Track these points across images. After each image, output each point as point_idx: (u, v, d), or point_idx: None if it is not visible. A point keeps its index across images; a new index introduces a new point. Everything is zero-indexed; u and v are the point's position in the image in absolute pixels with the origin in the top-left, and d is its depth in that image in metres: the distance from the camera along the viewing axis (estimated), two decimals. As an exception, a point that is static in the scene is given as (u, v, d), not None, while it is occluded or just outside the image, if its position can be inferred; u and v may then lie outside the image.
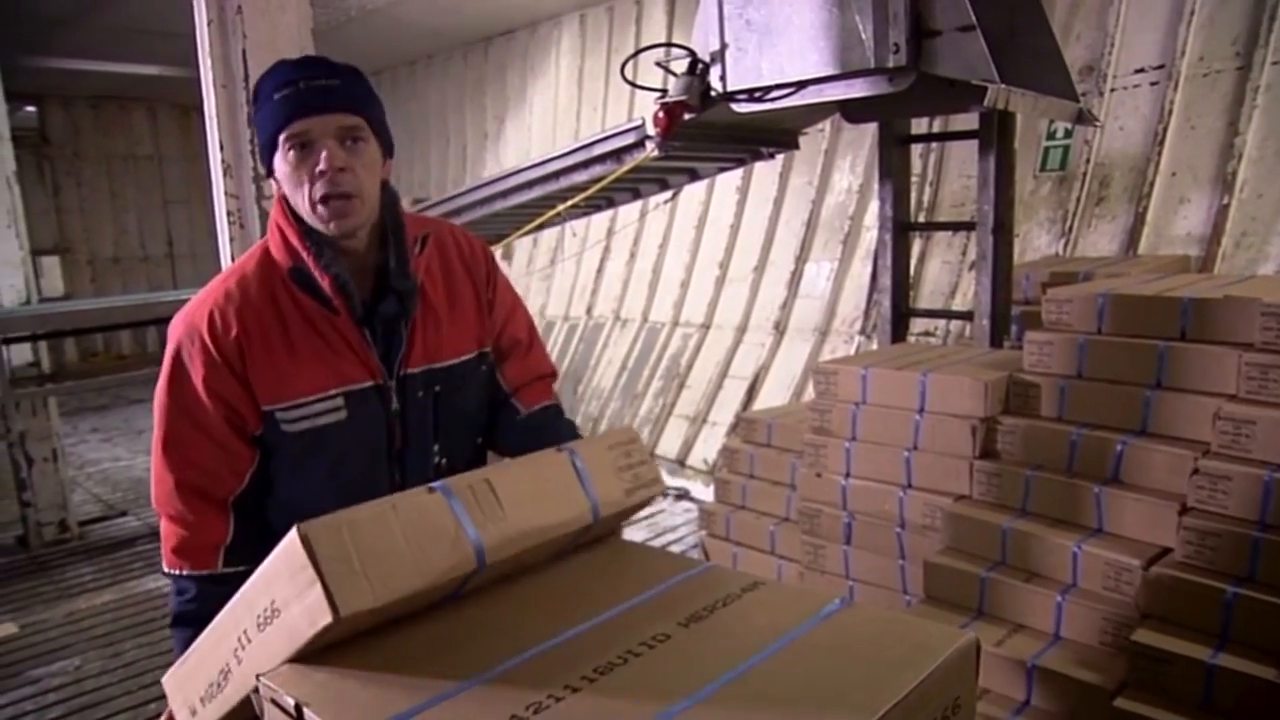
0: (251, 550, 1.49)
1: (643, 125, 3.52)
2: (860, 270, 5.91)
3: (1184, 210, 4.51)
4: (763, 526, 3.69)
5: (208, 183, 2.52)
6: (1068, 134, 5.01)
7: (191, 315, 1.53)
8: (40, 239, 9.87)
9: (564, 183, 4.18)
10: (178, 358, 1.52)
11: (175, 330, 1.54)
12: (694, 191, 6.52)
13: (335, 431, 1.56)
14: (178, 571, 1.56)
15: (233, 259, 2.43)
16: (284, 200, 1.54)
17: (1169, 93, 4.59)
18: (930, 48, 2.74)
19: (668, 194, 4.88)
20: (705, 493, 5.52)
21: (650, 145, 3.47)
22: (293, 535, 1.06)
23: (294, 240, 1.52)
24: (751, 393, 6.16)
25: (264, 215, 2.44)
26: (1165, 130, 4.59)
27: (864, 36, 2.77)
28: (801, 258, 6.28)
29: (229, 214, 2.43)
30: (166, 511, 1.55)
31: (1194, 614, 2.18)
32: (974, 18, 2.64)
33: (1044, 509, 2.63)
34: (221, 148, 2.39)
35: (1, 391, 4.76)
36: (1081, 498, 2.55)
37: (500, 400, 1.79)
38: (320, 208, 1.48)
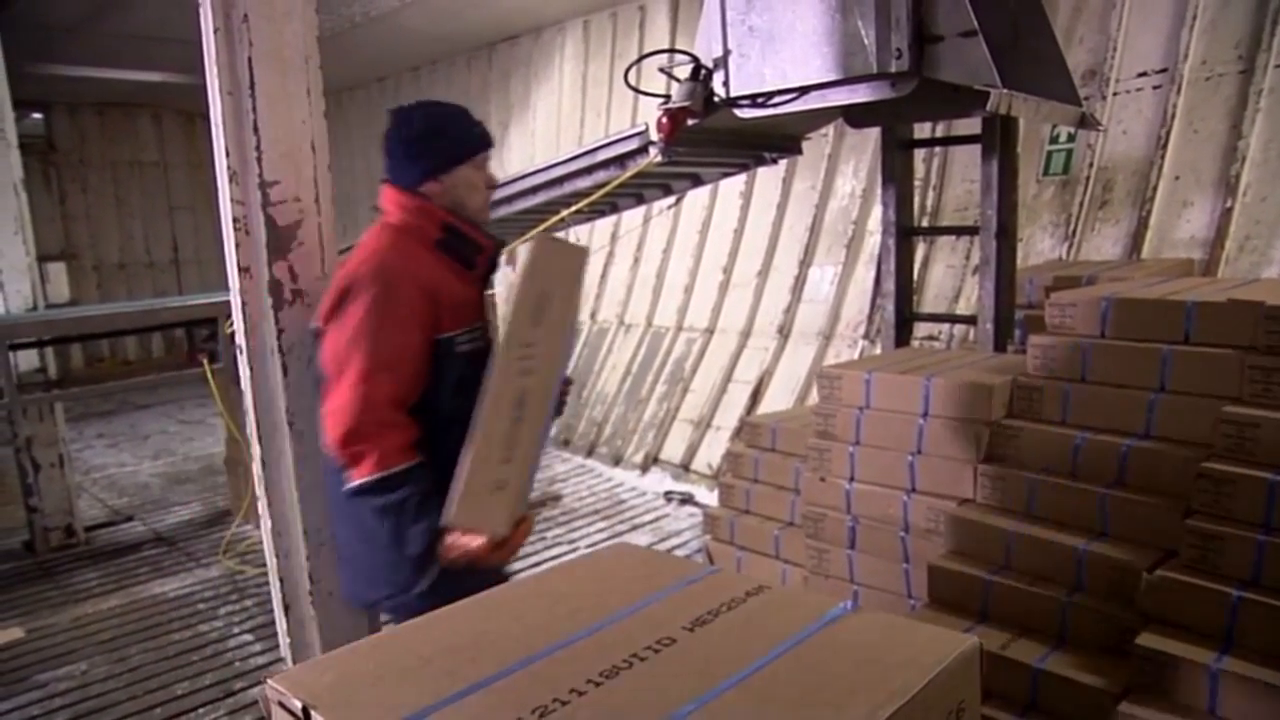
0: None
1: (646, 131, 3.52)
2: (864, 275, 5.91)
3: (1187, 214, 4.51)
4: (767, 531, 3.70)
5: (213, 189, 2.53)
6: (1070, 138, 5.01)
7: (386, 269, 2.01)
8: (46, 245, 9.89)
9: (568, 188, 4.18)
10: (380, 299, 1.97)
11: (370, 279, 2.00)
12: (697, 197, 6.53)
13: (483, 352, 2.07)
14: (399, 467, 1.93)
15: (239, 265, 2.44)
16: (428, 198, 2.13)
17: (1172, 96, 4.58)
18: (933, 53, 2.75)
19: (671, 199, 4.89)
20: (709, 497, 5.52)
21: (654, 151, 3.47)
22: None
23: (451, 221, 2.14)
24: (755, 397, 6.16)
25: (269, 221, 2.44)
26: (1168, 134, 4.59)
27: (866, 42, 2.77)
28: (805, 262, 6.29)
29: (235, 220, 2.43)
30: (378, 419, 1.93)
31: (1198, 617, 2.18)
32: (976, 23, 2.64)
33: (1048, 512, 2.64)
34: (227, 154, 2.39)
35: (8, 397, 4.77)
36: (1086, 501, 2.55)
37: None
38: (486, 209, 2.25)
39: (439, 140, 2.14)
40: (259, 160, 2.41)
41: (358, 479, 1.94)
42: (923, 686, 1.02)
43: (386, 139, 2.22)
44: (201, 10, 2.36)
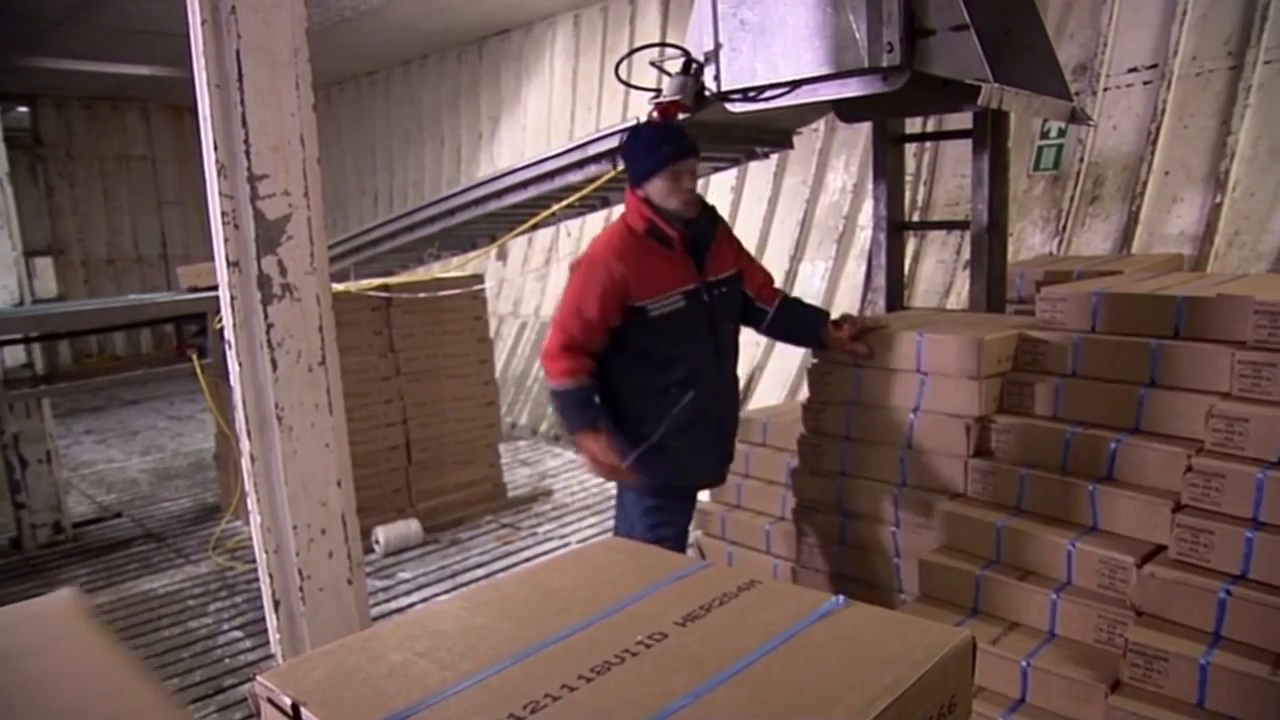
0: (599, 379, 2.89)
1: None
2: (855, 269, 5.91)
3: (1177, 209, 4.53)
4: (758, 525, 3.70)
5: (202, 183, 2.51)
6: (1061, 133, 5.02)
7: (594, 256, 2.85)
8: (33, 240, 9.84)
9: (559, 183, 4.18)
10: (592, 275, 2.79)
11: (583, 263, 2.87)
12: (689, 191, 6.51)
13: (680, 312, 2.84)
14: (558, 385, 2.84)
15: (228, 259, 2.43)
16: (647, 198, 2.84)
17: (1162, 92, 4.60)
18: (924, 47, 2.74)
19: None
20: (701, 493, 5.51)
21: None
22: None
23: (652, 216, 2.82)
24: (747, 392, 6.16)
25: (258, 215, 2.43)
26: (1158, 129, 4.61)
27: (858, 36, 2.77)
28: (796, 257, 6.29)
29: (224, 214, 2.42)
30: (557, 352, 2.83)
31: (1188, 612, 2.19)
32: (968, 17, 2.64)
33: (1038, 507, 2.64)
34: (216, 148, 2.38)
35: (-5, 393, 4.74)
36: (1076, 496, 2.55)
37: (748, 299, 3.08)
38: (682, 205, 2.83)
39: (633, 158, 2.91)
40: (248, 154, 2.40)
41: (549, 382, 2.91)
42: (915, 681, 1.02)
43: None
44: (189, 2, 2.34)
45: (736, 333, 3.05)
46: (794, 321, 3.11)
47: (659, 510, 3.01)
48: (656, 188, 2.80)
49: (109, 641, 1.26)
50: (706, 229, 2.90)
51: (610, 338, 2.83)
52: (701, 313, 2.87)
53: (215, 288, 2.57)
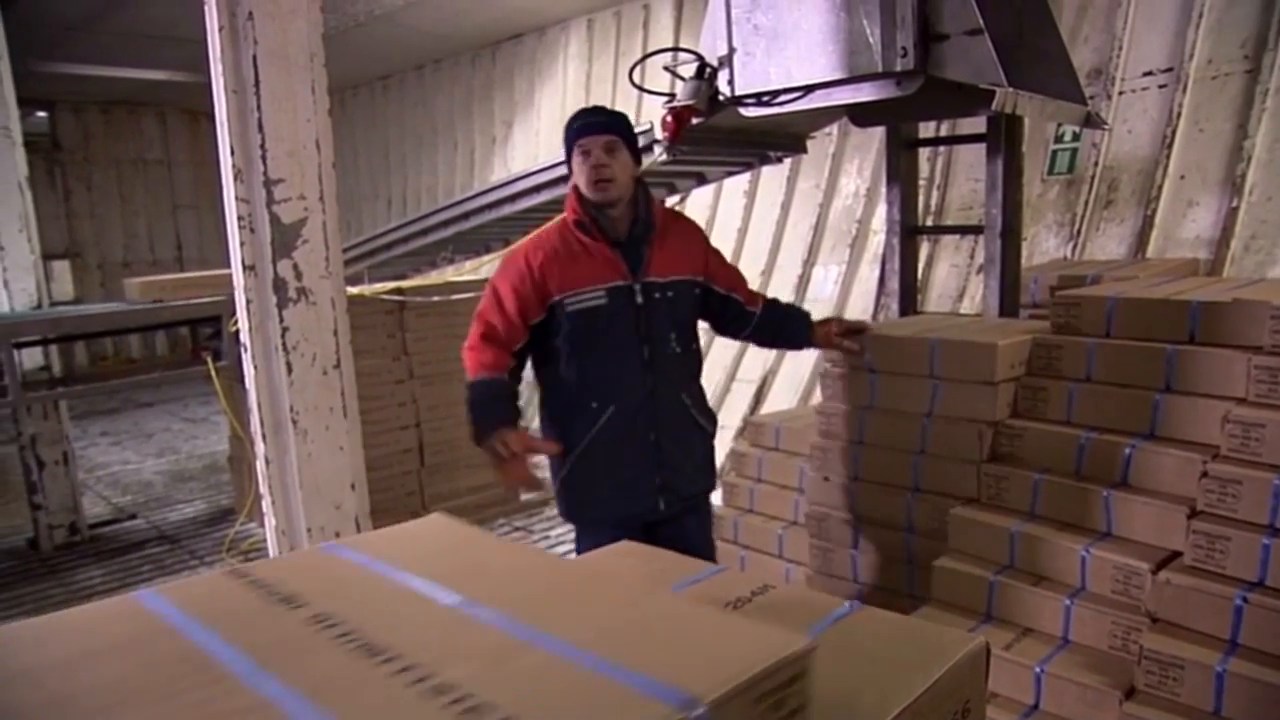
0: (519, 379, 2.68)
1: (651, 129, 3.52)
2: (868, 274, 5.90)
3: (1192, 213, 4.50)
4: (771, 530, 3.69)
5: (217, 187, 2.54)
6: (1075, 137, 5.00)
7: (520, 250, 2.63)
8: (51, 243, 9.91)
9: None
10: (510, 264, 2.61)
11: (512, 252, 2.69)
12: (701, 196, 6.53)
13: (599, 311, 2.57)
14: (479, 377, 2.56)
15: (244, 262, 2.45)
16: (575, 185, 2.60)
17: (1177, 95, 4.58)
18: (938, 51, 2.74)
19: (675, 198, 4.89)
20: (713, 497, 5.51)
21: (658, 149, 3.47)
22: None
23: (576, 204, 2.60)
24: (759, 396, 6.15)
25: (274, 219, 2.45)
26: (1174, 133, 4.58)
27: (871, 41, 2.77)
28: (809, 261, 6.28)
29: (240, 218, 2.44)
30: (471, 345, 2.59)
31: (1203, 619, 2.18)
32: (982, 21, 2.64)
33: (1052, 512, 2.63)
34: (232, 152, 2.40)
35: (13, 395, 4.78)
36: (1090, 501, 2.54)
37: (722, 299, 2.83)
38: (591, 186, 2.56)
39: (565, 139, 2.65)
40: (264, 158, 2.42)
41: (467, 376, 2.62)
42: (929, 685, 1.02)
43: None
44: (206, 8, 2.36)
45: (687, 344, 2.72)
46: (782, 323, 2.93)
47: (580, 544, 2.79)
48: (574, 171, 2.59)
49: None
50: (644, 222, 2.61)
51: (529, 335, 2.61)
52: (629, 315, 2.58)
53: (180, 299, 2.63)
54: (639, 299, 2.58)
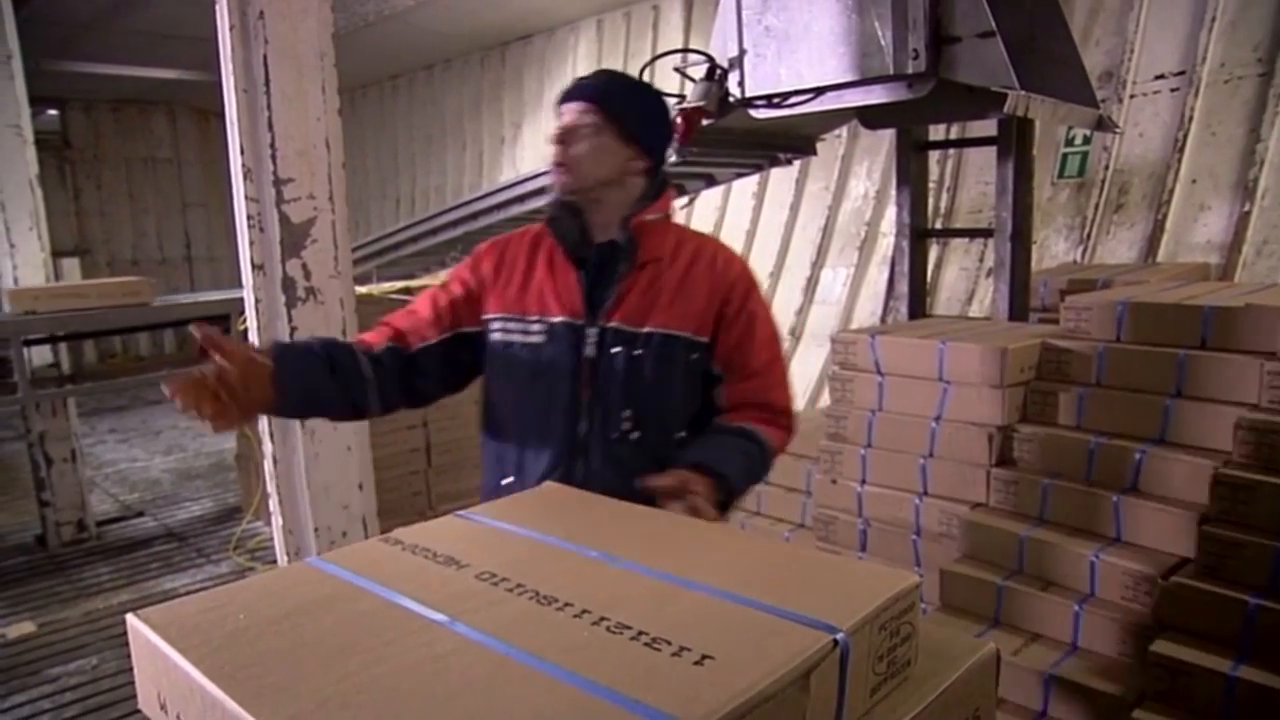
0: (388, 392, 1.83)
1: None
2: (877, 276, 5.89)
3: (1204, 217, 4.49)
4: (778, 533, 3.68)
5: (226, 186, 2.54)
6: (1086, 140, 4.98)
7: (485, 244, 1.95)
8: (60, 241, 9.96)
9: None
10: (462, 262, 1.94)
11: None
12: (710, 197, 6.53)
13: (531, 352, 1.80)
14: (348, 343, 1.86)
15: (253, 262, 2.45)
16: None
17: (1189, 99, 4.56)
18: (950, 54, 2.73)
19: (684, 199, 4.88)
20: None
21: (669, 151, 3.46)
22: None
23: (550, 200, 1.85)
24: (767, 398, 6.14)
25: (283, 218, 2.45)
26: (1185, 137, 4.57)
27: (883, 43, 2.76)
28: (818, 264, 6.27)
29: (249, 217, 2.44)
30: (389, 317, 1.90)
31: (1214, 625, 2.16)
32: (994, 24, 2.63)
33: (1062, 518, 2.62)
34: (242, 151, 2.40)
35: (22, 392, 4.79)
36: (1100, 507, 2.53)
37: (713, 412, 1.86)
38: (551, 169, 1.80)
39: None
40: (273, 158, 2.42)
41: None
42: (939, 692, 1.01)
43: None
44: (217, 7, 2.36)
45: (655, 432, 1.79)
46: (692, 447, 1.75)
47: None
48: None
49: None
50: (621, 243, 1.78)
51: (445, 346, 1.88)
52: (568, 371, 1.76)
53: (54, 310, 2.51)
54: (588, 346, 1.76)
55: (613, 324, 1.76)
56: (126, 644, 1.04)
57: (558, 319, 1.77)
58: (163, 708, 0.96)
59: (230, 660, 0.89)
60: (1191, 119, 4.55)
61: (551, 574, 1.06)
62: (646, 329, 1.76)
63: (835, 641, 0.88)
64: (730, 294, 1.81)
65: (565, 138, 1.75)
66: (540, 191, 4.51)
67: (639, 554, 1.10)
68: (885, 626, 0.95)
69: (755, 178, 6.35)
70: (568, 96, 1.80)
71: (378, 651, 0.90)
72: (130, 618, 1.01)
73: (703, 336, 1.80)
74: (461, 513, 1.32)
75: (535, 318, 1.79)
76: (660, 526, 1.29)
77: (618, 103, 1.79)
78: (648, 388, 1.77)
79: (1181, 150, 4.57)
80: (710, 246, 1.88)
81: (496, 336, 1.83)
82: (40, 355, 5.31)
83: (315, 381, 1.70)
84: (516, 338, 1.80)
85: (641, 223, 1.80)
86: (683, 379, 1.80)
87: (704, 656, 0.85)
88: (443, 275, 6.49)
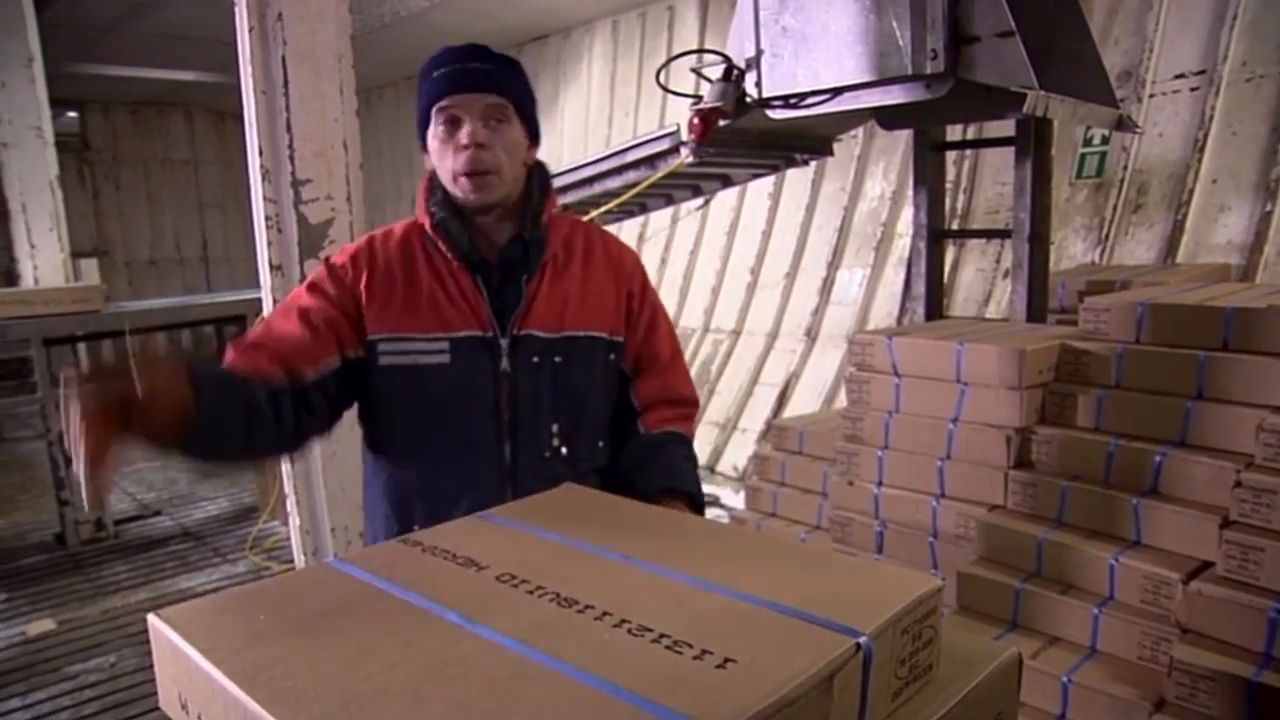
0: (284, 436, 1.54)
1: (677, 131, 3.52)
2: (893, 277, 5.87)
3: (1225, 218, 4.45)
4: (794, 535, 3.67)
5: (244, 187, 2.55)
6: (1105, 140, 4.95)
7: (341, 251, 1.68)
8: (79, 241, 10.02)
9: (597, 188, 4.18)
10: (310, 278, 1.66)
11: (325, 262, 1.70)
12: (725, 198, 6.51)
13: (435, 374, 1.59)
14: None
15: (271, 263, 2.46)
16: (432, 170, 1.65)
17: (1210, 98, 4.52)
18: (968, 54, 2.72)
19: (700, 200, 4.87)
20: (736, 500, 5.50)
21: (685, 151, 3.46)
22: None
23: (426, 202, 1.65)
24: (782, 399, 6.13)
25: (301, 219, 2.46)
26: (1206, 136, 4.53)
27: (901, 43, 2.75)
28: (834, 264, 6.25)
29: (267, 218, 2.46)
30: (248, 339, 1.58)
31: (1236, 630, 2.14)
32: (1013, 23, 2.61)
33: (1080, 520, 2.60)
34: (261, 153, 2.42)
35: (42, 391, 4.83)
36: (1119, 509, 2.51)
37: (628, 417, 1.77)
38: (462, 179, 1.58)
39: (417, 94, 1.67)
40: (291, 159, 2.43)
41: None
42: (962, 696, 1.00)
43: None
44: (237, 10, 2.38)
45: (581, 443, 1.70)
46: (640, 470, 1.71)
47: None
48: (430, 149, 1.65)
49: None
50: (532, 238, 1.65)
51: (338, 374, 1.61)
52: (484, 387, 1.61)
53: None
54: (504, 363, 1.62)
55: (525, 331, 1.62)
56: (145, 642, 1.04)
57: (462, 333, 1.60)
58: (184, 708, 0.96)
59: (252, 661, 0.89)
60: (1212, 118, 4.51)
61: (572, 576, 1.06)
62: (564, 333, 1.65)
63: (858, 645, 0.87)
64: (632, 287, 1.76)
65: (487, 138, 1.58)
66: (559, 191, 4.49)
67: (659, 556, 1.10)
68: (907, 630, 0.95)
69: (770, 178, 6.33)
70: (467, 83, 1.58)
71: (398, 654, 0.90)
72: (151, 618, 1.01)
73: (618, 336, 1.73)
74: (481, 514, 1.32)
75: (433, 335, 1.59)
76: (679, 528, 1.29)
77: (523, 91, 1.66)
78: (573, 397, 1.66)
79: (1202, 150, 4.53)
80: (594, 235, 1.78)
81: (387, 361, 1.60)
82: (59, 355, 5.35)
83: (229, 419, 1.41)
84: (412, 359, 1.59)
85: (550, 218, 1.70)
86: (604, 383, 1.72)
87: (726, 660, 0.84)
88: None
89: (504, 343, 1.62)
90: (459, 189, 1.60)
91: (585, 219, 4.42)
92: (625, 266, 1.77)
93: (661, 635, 0.89)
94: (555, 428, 1.65)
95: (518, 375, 1.62)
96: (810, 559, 1.16)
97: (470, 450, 1.61)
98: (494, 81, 1.59)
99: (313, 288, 1.63)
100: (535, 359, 1.63)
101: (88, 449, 1.14)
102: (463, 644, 0.91)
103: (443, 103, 1.58)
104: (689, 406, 1.83)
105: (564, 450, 1.67)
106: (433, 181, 1.66)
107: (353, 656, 0.90)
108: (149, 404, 1.22)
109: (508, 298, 1.63)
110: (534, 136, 1.71)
